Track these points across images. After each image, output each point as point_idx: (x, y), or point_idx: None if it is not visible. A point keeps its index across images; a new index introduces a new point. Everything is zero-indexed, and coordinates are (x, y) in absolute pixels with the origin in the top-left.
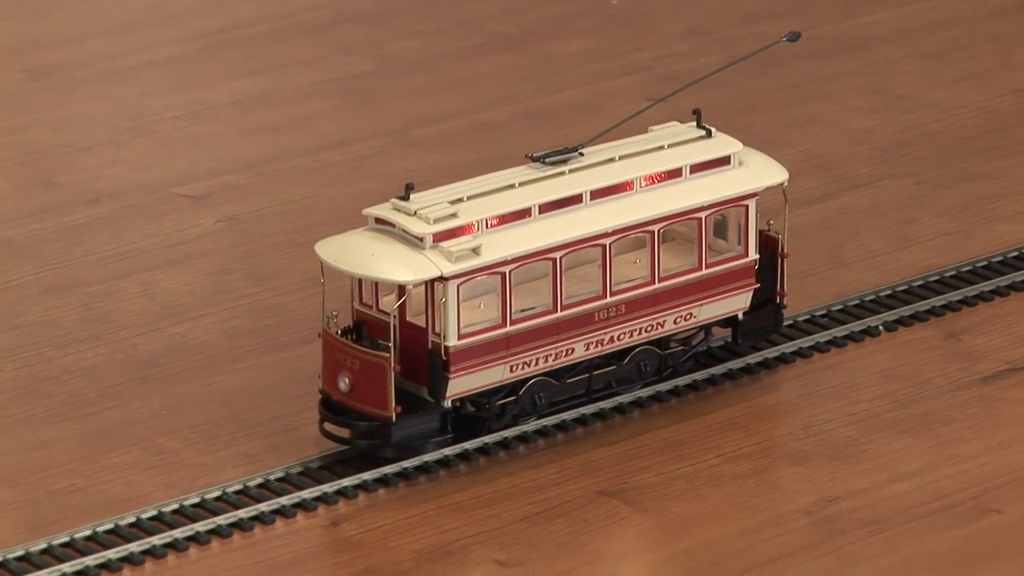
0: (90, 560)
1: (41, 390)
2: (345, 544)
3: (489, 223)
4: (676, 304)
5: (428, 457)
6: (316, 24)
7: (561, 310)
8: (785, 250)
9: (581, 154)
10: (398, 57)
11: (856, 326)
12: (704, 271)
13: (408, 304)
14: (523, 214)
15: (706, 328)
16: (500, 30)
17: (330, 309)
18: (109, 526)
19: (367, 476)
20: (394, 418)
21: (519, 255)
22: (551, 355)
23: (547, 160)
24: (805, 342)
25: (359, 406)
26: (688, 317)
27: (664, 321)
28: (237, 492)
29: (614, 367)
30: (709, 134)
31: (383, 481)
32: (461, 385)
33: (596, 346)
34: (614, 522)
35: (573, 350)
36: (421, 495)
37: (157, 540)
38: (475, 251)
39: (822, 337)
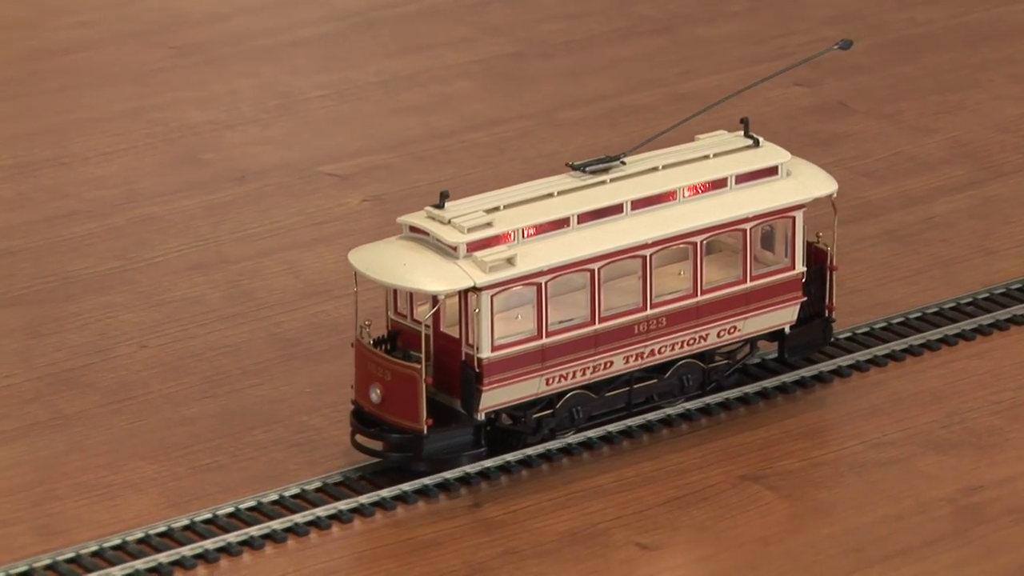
0: (232, 537)
1: (184, 367)
2: (487, 525)
3: (526, 233)
4: (720, 317)
5: (572, 439)
6: (464, 5)
7: (599, 322)
8: (834, 263)
9: (623, 163)
10: (545, 39)
11: (1002, 314)
12: (749, 284)
13: (442, 314)
14: (561, 224)
15: (752, 342)
16: (647, 13)
17: (364, 318)
18: (251, 503)
19: (510, 458)
20: (425, 431)
21: (555, 266)
22: (589, 368)
23: (588, 169)
24: (951, 329)
25: (390, 418)
26: (732, 331)
27: (707, 334)
28: (378, 473)
29: (655, 381)
30: (757, 143)
31: (526, 463)
32: (495, 398)
33: (636, 359)
34: (756, 507)
35: (612, 363)
36: (564, 477)
37: (300, 518)
38: (510, 261)
39: (968, 324)
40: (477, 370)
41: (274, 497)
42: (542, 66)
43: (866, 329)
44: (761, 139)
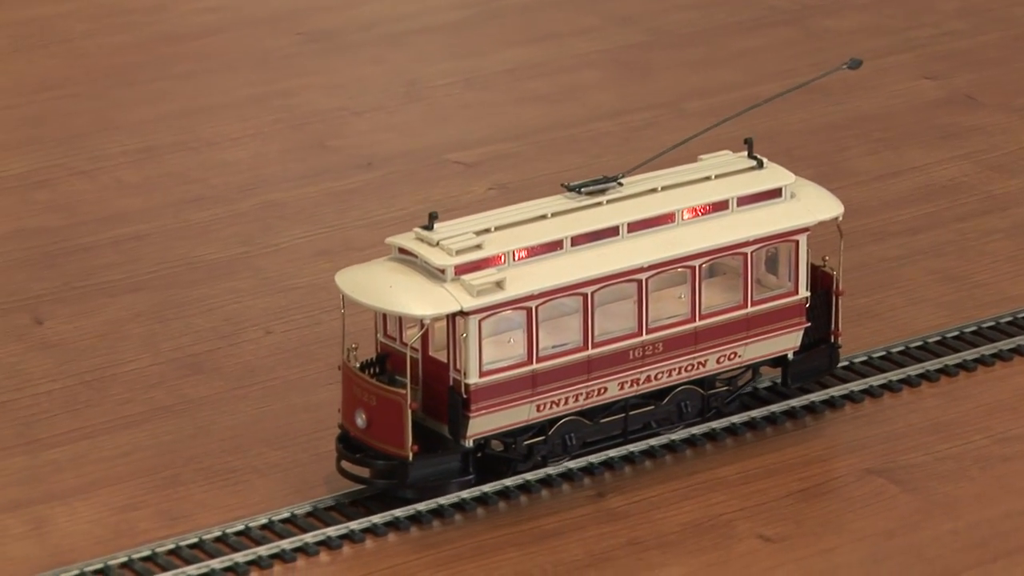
0: (354, 525)
1: (309, 353)
2: (610, 515)
3: (516, 255)
4: (719, 343)
5: (696, 430)
6: None
7: (592, 347)
8: (840, 287)
9: (620, 184)
10: (673, 29)
11: None
12: (750, 309)
13: (430, 338)
14: (554, 246)
15: (754, 368)
16: (777, 4)
17: (352, 340)
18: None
19: (634, 448)
20: (411, 458)
21: (546, 290)
22: (581, 394)
23: (584, 190)
24: None
25: (376, 444)
26: (732, 356)
27: (706, 360)
28: (499, 461)
29: (652, 407)
30: (760, 165)
31: (650, 453)
32: (483, 424)
33: (631, 385)
34: (880, 501)
35: (606, 389)
36: (688, 468)
37: (423, 507)
38: (499, 285)
39: None
40: (464, 396)
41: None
42: (669, 56)
43: (992, 323)
44: (765, 160)
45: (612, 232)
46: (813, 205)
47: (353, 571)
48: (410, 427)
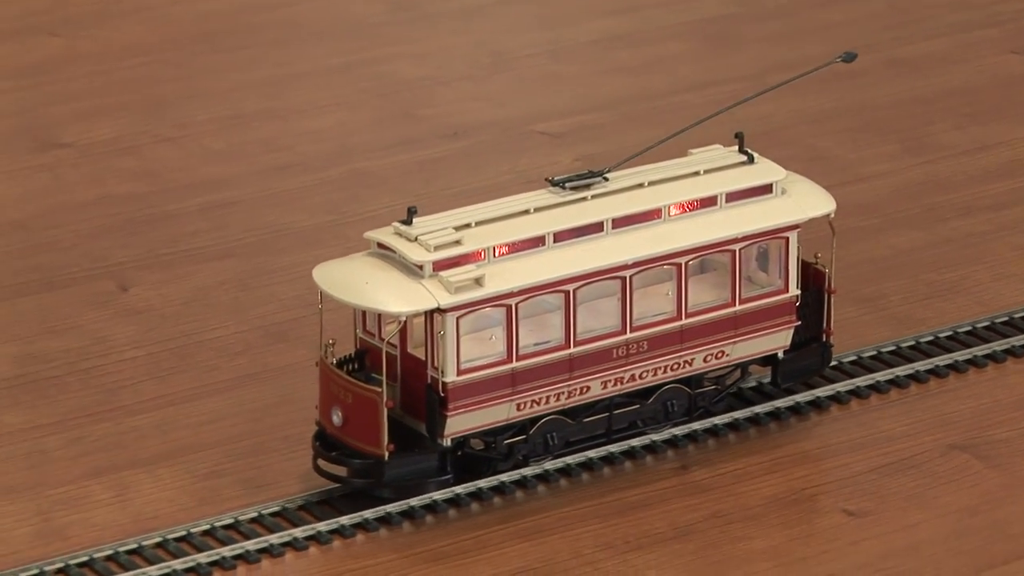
0: (438, 495)
1: None
2: (694, 488)
3: (497, 251)
4: (706, 341)
5: (779, 403)
6: None
7: (574, 346)
8: (833, 286)
9: (606, 179)
10: (759, 1)
11: None
12: (738, 307)
13: (409, 335)
14: (536, 242)
15: (743, 367)
16: None
17: (330, 336)
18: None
19: (718, 421)
20: (386, 456)
21: (527, 287)
22: (563, 393)
23: (567, 185)
24: None
25: (352, 442)
26: (720, 355)
27: (692, 359)
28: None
29: (638, 406)
30: (751, 160)
31: (733, 426)
32: (460, 423)
33: (615, 384)
34: (965, 476)
35: (588, 388)
36: (772, 442)
37: (505, 478)
38: (478, 281)
39: None
40: (442, 394)
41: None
42: (754, 28)
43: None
44: (756, 155)
45: (596, 228)
46: (804, 201)
47: (437, 539)
48: (386, 426)
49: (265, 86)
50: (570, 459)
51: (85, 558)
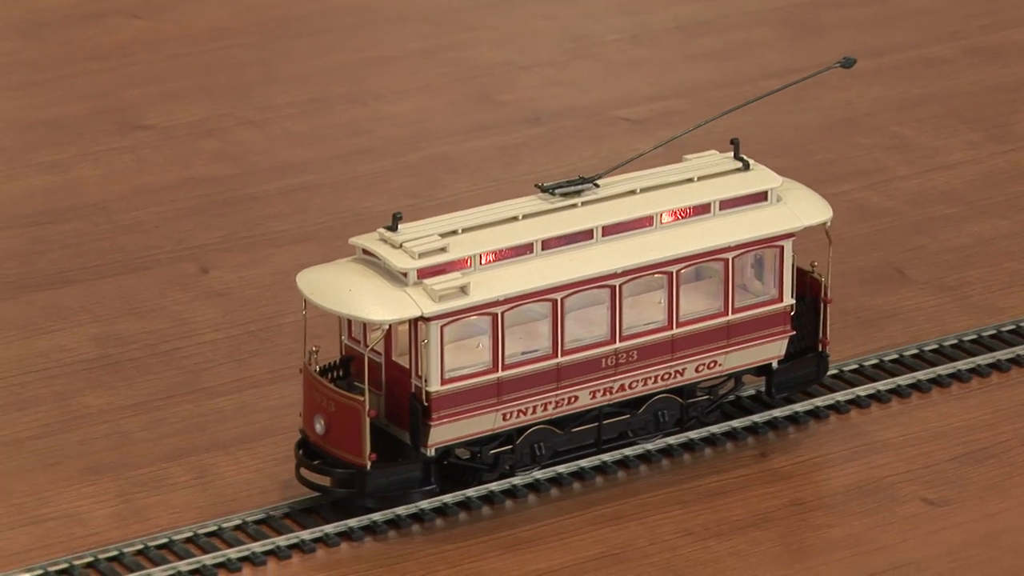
0: (517, 481)
1: None
2: (773, 475)
3: (483, 259)
4: (698, 351)
5: (860, 390)
6: None
7: (562, 355)
8: (829, 295)
9: (596, 185)
10: None
11: None
12: (731, 316)
13: (393, 343)
14: (523, 250)
15: (737, 376)
16: None
17: (314, 343)
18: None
19: (799, 408)
20: (368, 466)
21: (513, 295)
22: (551, 403)
23: (557, 191)
24: None
25: (334, 451)
26: (712, 365)
27: (684, 369)
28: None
29: (628, 416)
30: (746, 166)
31: (814, 413)
32: (444, 433)
33: (604, 394)
34: None
35: (576, 398)
36: (852, 430)
37: (586, 464)
38: (463, 290)
39: None
40: (425, 404)
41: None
42: (839, 15)
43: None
44: (752, 161)
45: (586, 235)
46: (800, 209)
47: (518, 524)
48: (368, 435)
49: (346, 70)
50: (650, 445)
51: (164, 540)
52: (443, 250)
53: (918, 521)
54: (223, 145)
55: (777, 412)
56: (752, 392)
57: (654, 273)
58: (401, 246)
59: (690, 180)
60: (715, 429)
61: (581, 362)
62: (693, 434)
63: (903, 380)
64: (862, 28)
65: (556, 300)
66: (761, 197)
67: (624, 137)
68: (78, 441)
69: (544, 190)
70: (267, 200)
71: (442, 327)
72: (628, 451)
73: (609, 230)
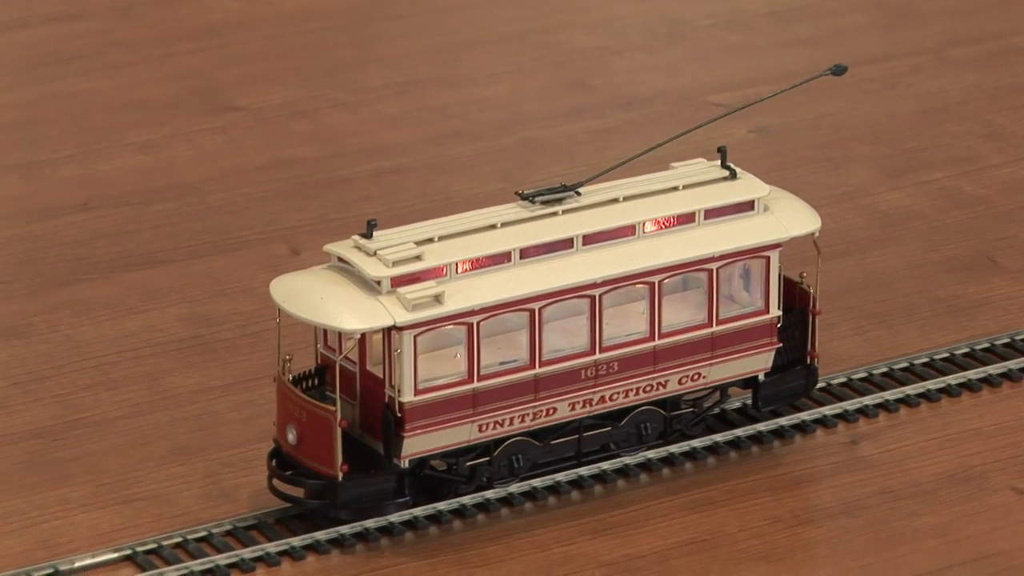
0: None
1: None
2: (863, 463)
3: (460, 267)
4: (681, 363)
5: (952, 378)
6: None
7: (540, 366)
8: (817, 307)
9: (578, 193)
10: None
11: None
12: (715, 328)
13: (368, 352)
14: (501, 259)
15: (722, 389)
16: None
17: (288, 351)
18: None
19: (889, 396)
20: (340, 477)
21: (488, 305)
22: (528, 415)
23: (537, 199)
24: None
25: (306, 461)
26: (696, 377)
27: (666, 381)
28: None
29: (609, 428)
30: (733, 175)
31: (904, 401)
32: (418, 444)
33: (583, 406)
34: None
35: (555, 410)
36: (942, 419)
37: (693, 444)
38: (437, 299)
39: None
40: (399, 414)
41: None
42: (935, 2)
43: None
44: (739, 170)
45: (566, 244)
46: (788, 219)
47: (606, 510)
48: (339, 446)
49: (438, 53)
50: (739, 431)
51: (253, 521)
52: (418, 258)
53: (1009, 510)
54: (315, 127)
55: (868, 399)
56: (844, 380)
57: (635, 283)
58: (375, 254)
59: (675, 188)
60: (805, 416)
61: (560, 373)
62: (784, 420)
63: (994, 369)
64: (956, 15)
65: (534, 310)
66: (748, 206)
67: (717, 123)
68: (167, 421)
69: (524, 198)
70: (358, 183)
71: (415, 336)
72: (719, 437)
73: (590, 239)
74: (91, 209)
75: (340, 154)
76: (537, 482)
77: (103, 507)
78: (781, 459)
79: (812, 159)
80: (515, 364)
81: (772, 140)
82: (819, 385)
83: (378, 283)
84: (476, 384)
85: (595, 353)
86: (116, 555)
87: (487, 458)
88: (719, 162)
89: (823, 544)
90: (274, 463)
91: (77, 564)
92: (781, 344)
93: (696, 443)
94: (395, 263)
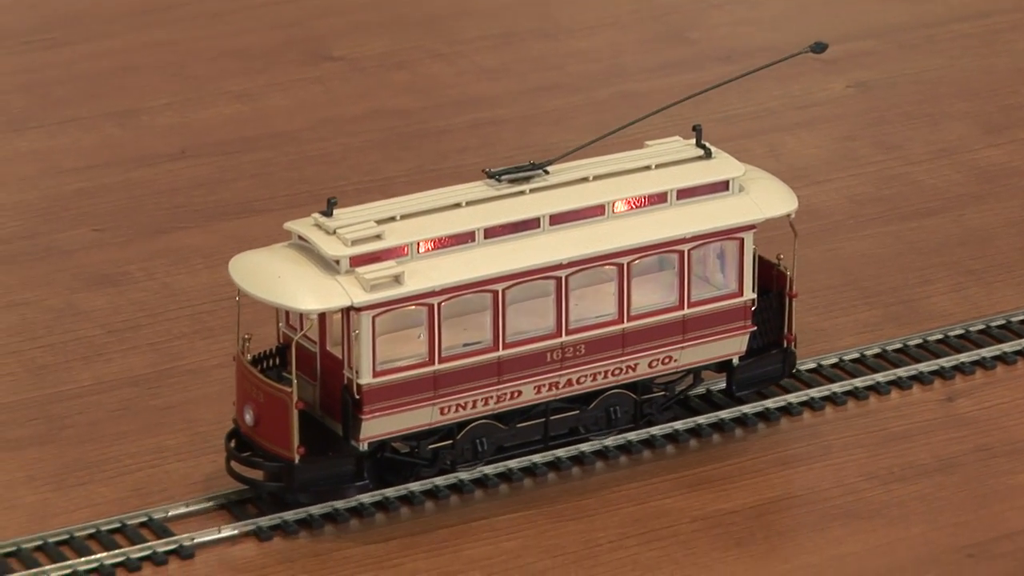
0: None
1: None
2: (959, 420)
3: (421, 247)
4: (651, 346)
5: None
6: None
7: (503, 348)
8: (794, 289)
9: (546, 172)
10: None
11: None
12: (686, 310)
13: (327, 332)
14: (464, 238)
15: (695, 372)
16: None
17: (247, 330)
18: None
19: (985, 353)
20: (296, 459)
21: (450, 285)
22: (492, 398)
23: (504, 177)
24: None
25: (263, 443)
26: (667, 361)
27: (636, 364)
28: (855, 361)
29: (577, 412)
30: (708, 154)
31: (1001, 358)
32: (378, 427)
33: (549, 389)
34: None
35: (520, 392)
36: None
37: (816, 392)
38: (396, 279)
39: None
40: (357, 396)
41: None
42: None
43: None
44: (714, 149)
45: (532, 224)
46: (763, 200)
47: (702, 463)
48: (296, 427)
49: (536, 5)
50: (836, 387)
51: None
52: (378, 237)
53: None
54: (412, 78)
55: (964, 356)
56: (940, 336)
57: (603, 265)
58: (335, 232)
59: (647, 168)
60: (902, 372)
61: (524, 356)
62: (880, 376)
63: None
64: None
65: (496, 291)
66: (722, 187)
67: (815, 77)
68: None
69: (491, 176)
70: (455, 134)
71: (374, 317)
72: (814, 392)
73: (557, 219)
74: (188, 157)
75: (437, 105)
76: (632, 436)
77: (198, 456)
78: (877, 415)
79: (911, 114)
80: (478, 346)
81: (871, 95)
82: (915, 341)
83: (337, 262)
84: (437, 366)
85: (561, 335)
86: (210, 504)
87: (450, 441)
88: (695, 141)
89: (917, 501)
90: (232, 444)
91: (171, 513)
92: (755, 327)
93: (791, 398)
94: (354, 242)
